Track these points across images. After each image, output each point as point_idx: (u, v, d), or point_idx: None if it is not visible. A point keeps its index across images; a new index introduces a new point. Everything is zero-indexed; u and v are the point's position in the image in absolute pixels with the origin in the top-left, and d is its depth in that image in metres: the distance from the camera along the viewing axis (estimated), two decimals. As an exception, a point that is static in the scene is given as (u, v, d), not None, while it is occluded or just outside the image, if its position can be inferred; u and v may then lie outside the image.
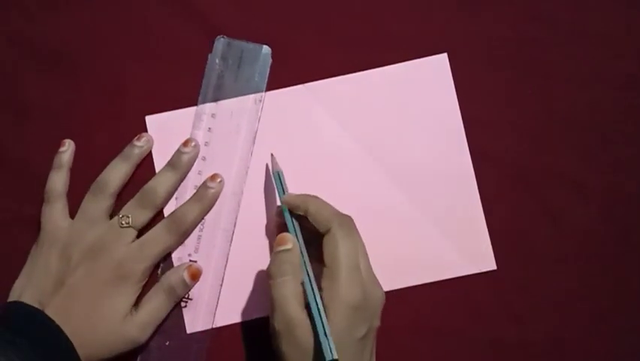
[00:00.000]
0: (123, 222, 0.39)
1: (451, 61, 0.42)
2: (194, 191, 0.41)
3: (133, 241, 0.39)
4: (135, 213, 0.39)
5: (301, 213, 0.37)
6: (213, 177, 0.41)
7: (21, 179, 0.42)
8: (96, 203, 0.39)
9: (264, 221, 0.41)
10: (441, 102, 0.42)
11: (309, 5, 0.43)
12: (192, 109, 0.42)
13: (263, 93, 0.42)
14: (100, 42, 0.43)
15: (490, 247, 0.41)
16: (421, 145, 0.41)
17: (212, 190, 0.40)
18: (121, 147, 0.41)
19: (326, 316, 0.33)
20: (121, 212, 0.39)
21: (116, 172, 0.40)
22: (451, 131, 0.41)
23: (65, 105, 0.42)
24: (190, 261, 0.40)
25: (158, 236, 0.39)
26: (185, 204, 0.40)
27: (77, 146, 0.42)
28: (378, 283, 0.36)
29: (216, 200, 0.41)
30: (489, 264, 0.40)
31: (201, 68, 0.42)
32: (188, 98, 0.42)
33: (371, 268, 0.36)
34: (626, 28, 0.42)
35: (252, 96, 0.42)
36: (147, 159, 0.42)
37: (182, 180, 0.41)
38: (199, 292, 0.40)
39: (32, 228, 0.41)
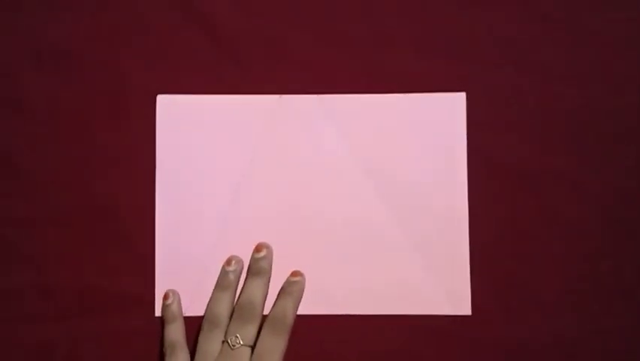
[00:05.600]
0: (235, 344, 0.38)
1: (454, 61, 0.42)
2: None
3: (250, 358, 0.38)
4: (242, 330, 0.39)
5: None
6: (294, 273, 0.40)
7: (21, 179, 0.42)
8: (213, 340, 0.39)
9: (267, 224, 0.42)
10: (450, 140, 0.42)
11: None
12: (205, 96, 0.42)
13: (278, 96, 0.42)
14: (99, 42, 0.43)
15: (469, 291, 0.41)
16: (421, 178, 0.41)
17: (298, 284, 0.40)
18: (121, 146, 0.42)
19: None
20: (227, 335, 0.39)
21: (222, 304, 0.40)
22: (454, 171, 0.41)
23: (65, 105, 0.43)
24: None
25: (269, 344, 0.38)
26: (278, 302, 0.40)
27: (77, 146, 0.42)
28: None
29: (303, 290, 0.40)
30: (464, 308, 0.40)
31: (201, 67, 0.42)
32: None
33: None
34: (625, 28, 0.42)
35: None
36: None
37: (269, 282, 0.40)
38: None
39: (33, 228, 0.42)
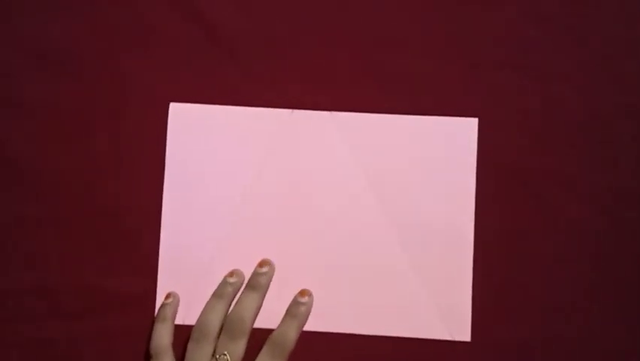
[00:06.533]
0: None
1: (456, 60, 0.41)
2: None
3: None
4: (230, 347, 0.39)
5: None
6: (302, 292, 0.40)
7: (21, 179, 0.42)
8: (201, 350, 0.39)
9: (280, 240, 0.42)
10: (459, 166, 0.41)
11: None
12: (217, 107, 0.42)
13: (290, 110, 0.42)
14: (99, 42, 0.42)
15: (470, 318, 0.40)
16: (427, 200, 0.41)
17: (305, 306, 0.40)
18: (121, 146, 0.42)
19: None
20: (216, 351, 0.39)
21: (215, 314, 0.40)
22: (461, 196, 0.41)
23: (65, 105, 0.42)
24: None
25: None
26: (281, 325, 0.40)
27: (77, 146, 0.42)
28: None
29: (309, 313, 0.40)
30: (464, 335, 0.40)
31: (201, 67, 0.42)
32: (189, 98, 0.42)
33: None
34: (626, 28, 0.41)
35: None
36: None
37: (263, 299, 0.40)
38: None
39: (33, 229, 0.42)
